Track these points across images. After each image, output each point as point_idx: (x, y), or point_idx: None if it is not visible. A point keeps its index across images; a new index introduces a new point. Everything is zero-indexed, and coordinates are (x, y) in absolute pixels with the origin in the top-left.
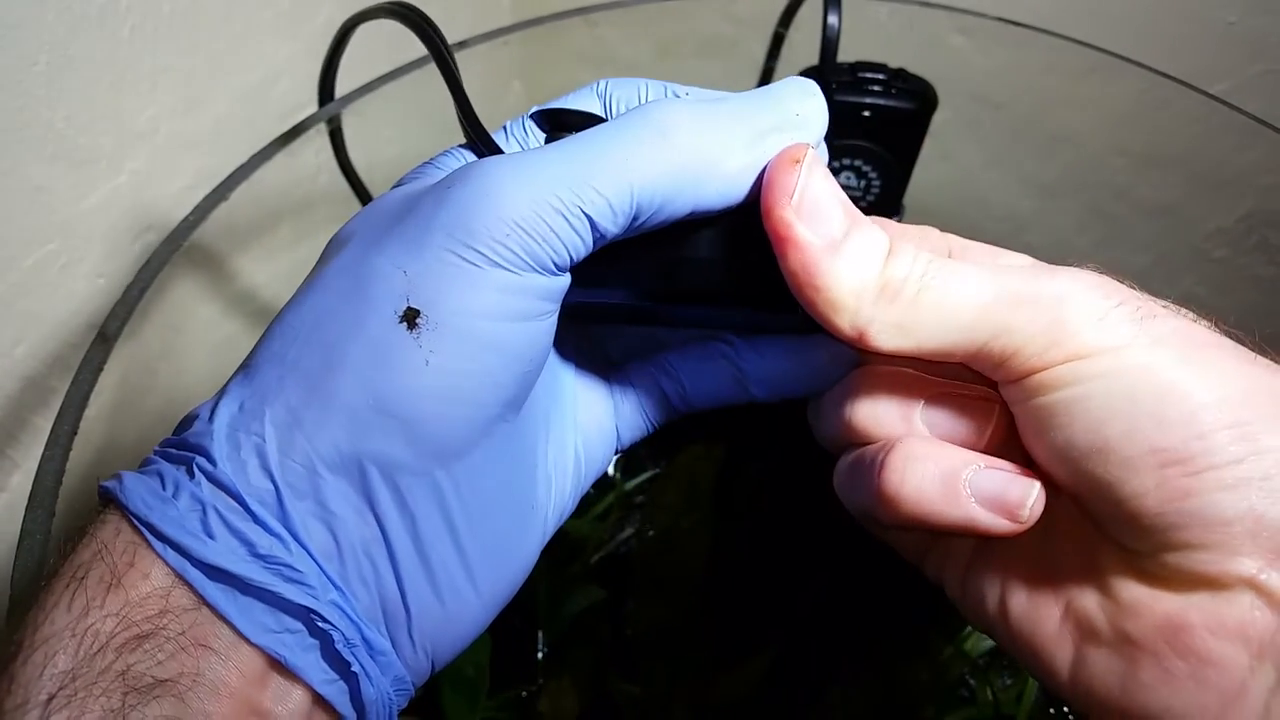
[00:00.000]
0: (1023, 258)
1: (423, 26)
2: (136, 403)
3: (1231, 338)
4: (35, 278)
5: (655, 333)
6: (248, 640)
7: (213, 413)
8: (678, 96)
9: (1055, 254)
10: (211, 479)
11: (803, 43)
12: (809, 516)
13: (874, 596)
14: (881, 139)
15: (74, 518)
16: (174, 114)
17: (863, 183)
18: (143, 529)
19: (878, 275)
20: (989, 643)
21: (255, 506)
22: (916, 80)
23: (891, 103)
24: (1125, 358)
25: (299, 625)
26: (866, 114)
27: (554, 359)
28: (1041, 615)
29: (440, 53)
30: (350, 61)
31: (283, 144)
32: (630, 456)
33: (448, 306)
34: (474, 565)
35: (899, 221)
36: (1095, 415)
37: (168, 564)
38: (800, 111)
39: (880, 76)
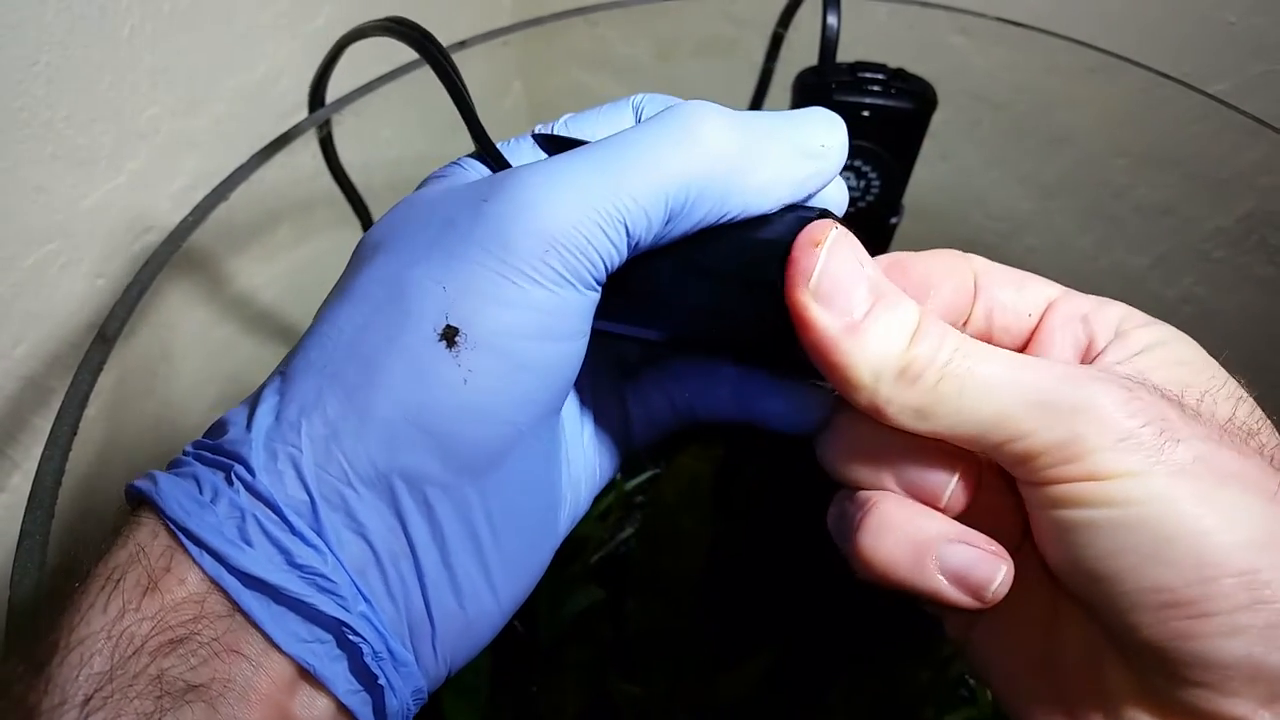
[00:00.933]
0: (1051, 285)
1: (424, 43)
2: (136, 403)
3: (1225, 366)
4: (35, 278)
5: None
6: (279, 648)
7: (249, 421)
8: None
9: (1055, 254)
10: (250, 489)
11: (802, 43)
12: (809, 516)
13: (874, 596)
14: (881, 139)
15: (74, 518)
16: (174, 114)
17: (862, 183)
18: (179, 534)
19: (899, 356)
20: None
21: (292, 517)
22: (916, 80)
23: (891, 103)
24: (1141, 488)
25: (329, 636)
26: (866, 114)
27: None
28: (1037, 708)
29: (444, 68)
30: (349, 62)
31: (282, 144)
32: (630, 456)
33: (487, 326)
34: (496, 576)
35: (897, 222)
36: (1104, 545)
37: (204, 570)
38: (826, 144)
39: (880, 76)
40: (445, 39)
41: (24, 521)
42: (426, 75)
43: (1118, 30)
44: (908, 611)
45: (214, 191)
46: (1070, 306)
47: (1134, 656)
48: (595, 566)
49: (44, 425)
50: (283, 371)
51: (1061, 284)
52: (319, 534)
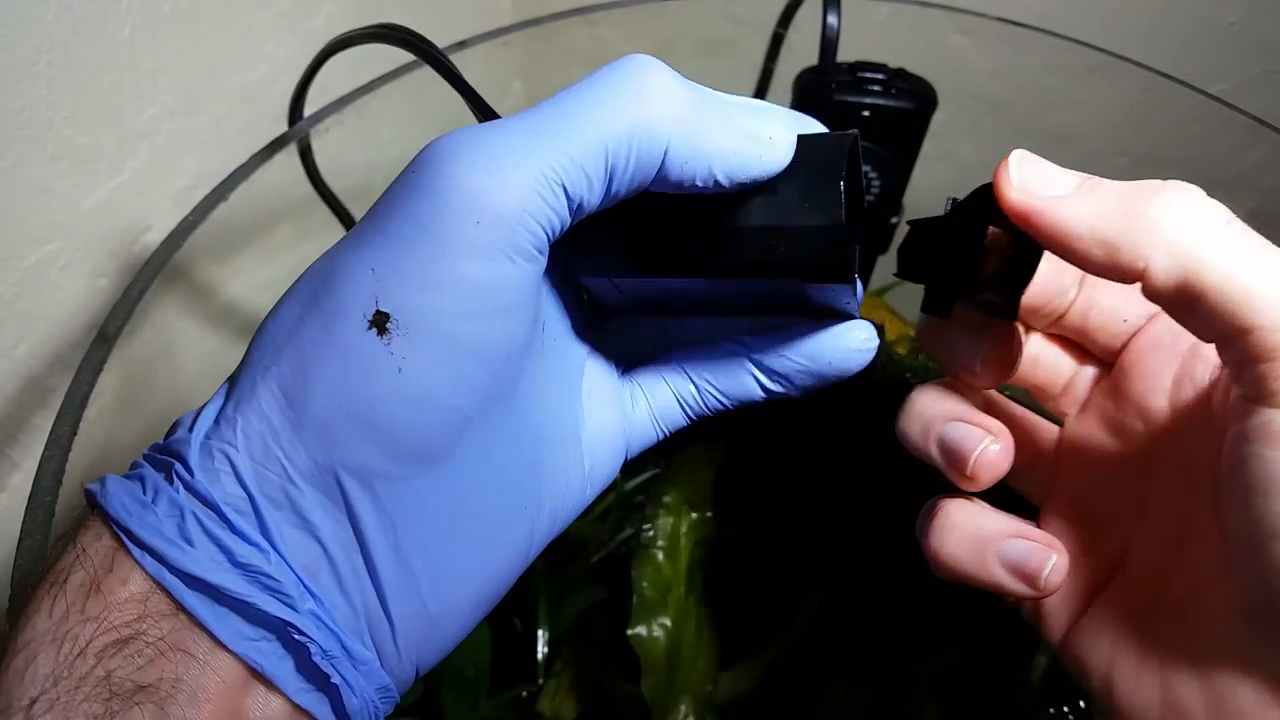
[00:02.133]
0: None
1: (413, 44)
2: (136, 403)
3: None
4: (35, 277)
5: (668, 333)
6: (226, 647)
7: (194, 421)
8: None
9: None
10: (189, 487)
11: (802, 43)
12: (809, 516)
13: (874, 596)
14: (881, 139)
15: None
16: (174, 114)
17: (862, 183)
18: (121, 535)
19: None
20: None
21: (232, 515)
22: (916, 80)
23: (891, 103)
24: None
25: (274, 636)
26: (866, 114)
27: (562, 364)
28: (1140, 700)
29: (440, 63)
30: (351, 62)
31: (282, 144)
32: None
33: (417, 309)
34: (459, 571)
35: (897, 222)
36: None
37: (145, 570)
38: (774, 135)
39: (880, 76)
40: (445, 39)
41: (24, 521)
42: (426, 75)
43: (1118, 30)
44: (907, 611)
45: (214, 191)
46: (1174, 324)
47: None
48: (595, 566)
49: (44, 425)
50: (233, 374)
51: None
52: (262, 532)
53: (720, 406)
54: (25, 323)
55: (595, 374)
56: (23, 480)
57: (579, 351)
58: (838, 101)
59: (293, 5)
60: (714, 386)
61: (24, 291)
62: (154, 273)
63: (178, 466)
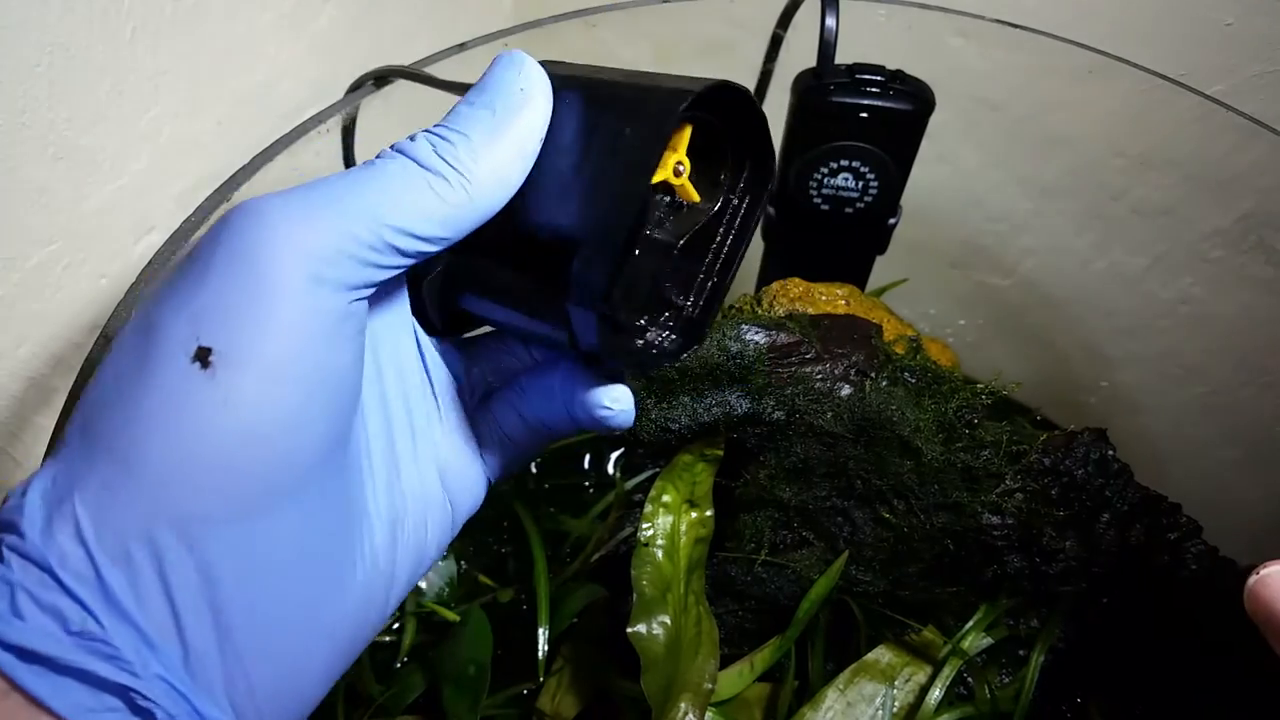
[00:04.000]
0: None
1: (413, 76)
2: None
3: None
4: (38, 278)
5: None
6: None
7: (25, 489)
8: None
9: (1053, 255)
10: (23, 554)
11: (801, 44)
12: (809, 516)
13: (874, 596)
14: (879, 140)
15: None
16: (176, 115)
17: (860, 184)
18: None
19: None
20: (987, 640)
21: (68, 580)
22: (914, 81)
23: (889, 104)
24: None
25: (119, 703)
26: (864, 115)
27: (407, 389)
28: None
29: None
30: (352, 62)
31: (284, 145)
32: (630, 456)
33: (240, 342)
34: (315, 617)
35: (895, 223)
36: None
37: None
38: (523, 86)
39: (878, 78)
40: (446, 41)
41: None
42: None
43: (1116, 32)
44: (906, 611)
45: (216, 192)
46: None
47: None
48: (595, 565)
49: (47, 425)
50: (60, 440)
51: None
52: (102, 594)
53: (558, 432)
54: (28, 323)
55: (449, 404)
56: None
57: (432, 381)
58: (836, 103)
59: (294, 7)
60: (546, 415)
61: (26, 292)
62: (156, 273)
63: (8, 538)
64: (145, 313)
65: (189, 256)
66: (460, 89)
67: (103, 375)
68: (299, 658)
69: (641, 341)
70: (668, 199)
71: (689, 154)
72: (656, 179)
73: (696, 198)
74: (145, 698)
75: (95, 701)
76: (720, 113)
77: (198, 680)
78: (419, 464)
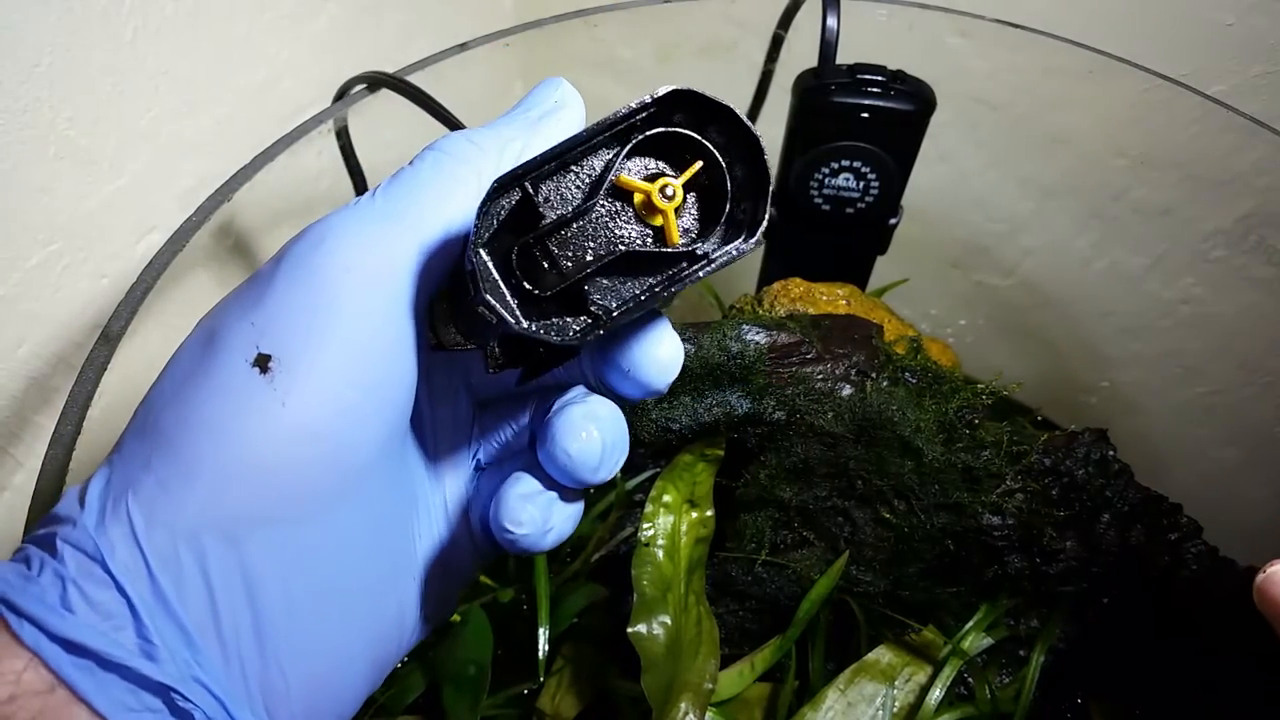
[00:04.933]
0: None
1: (400, 86)
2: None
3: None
4: (38, 278)
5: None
6: (104, 718)
7: (84, 488)
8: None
9: (1053, 255)
10: (76, 546)
11: (802, 45)
12: (810, 516)
13: (874, 596)
14: (880, 140)
15: None
16: (176, 115)
17: (861, 184)
18: (2, 607)
19: None
20: (987, 640)
21: (119, 574)
22: (915, 82)
23: (890, 104)
24: None
25: (159, 704)
26: (865, 115)
27: (457, 425)
28: None
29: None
30: (352, 62)
31: (284, 145)
32: (630, 456)
33: (299, 350)
34: (351, 624)
35: (896, 222)
36: None
37: (23, 642)
38: (558, 99)
39: (879, 78)
40: (446, 41)
41: (28, 520)
42: (428, 78)
43: (1117, 32)
44: (906, 610)
45: (217, 192)
46: None
47: None
48: (595, 565)
49: (48, 424)
50: (118, 442)
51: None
52: (152, 593)
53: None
54: (28, 323)
55: (453, 403)
56: (26, 479)
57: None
58: (837, 103)
59: (294, 7)
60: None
61: (27, 292)
62: (157, 273)
63: (63, 531)
64: (207, 324)
65: (253, 275)
66: (439, 110)
67: (162, 381)
68: (339, 662)
69: (531, 324)
70: (631, 210)
71: (699, 194)
72: (633, 185)
73: (675, 236)
74: (186, 699)
75: (136, 701)
76: (740, 168)
77: (237, 680)
78: (456, 478)
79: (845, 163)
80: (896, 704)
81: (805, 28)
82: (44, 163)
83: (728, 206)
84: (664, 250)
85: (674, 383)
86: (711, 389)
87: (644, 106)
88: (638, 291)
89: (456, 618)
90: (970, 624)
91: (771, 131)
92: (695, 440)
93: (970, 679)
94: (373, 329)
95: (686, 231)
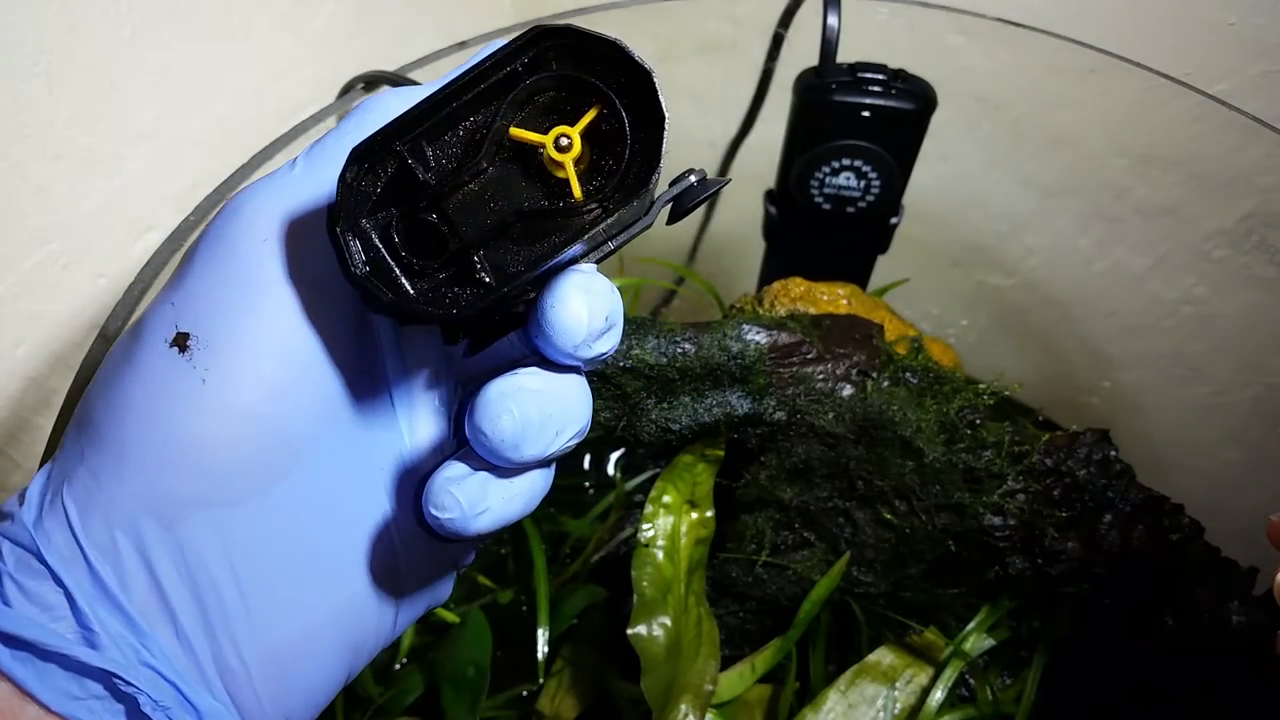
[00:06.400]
0: None
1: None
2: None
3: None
4: (36, 278)
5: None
6: (51, 710)
7: (27, 487)
8: None
9: (1055, 255)
10: (15, 542)
11: (803, 43)
12: (810, 517)
13: (875, 597)
14: (881, 139)
15: None
16: (175, 114)
17: (862, 183)
18: None
19: None
20: (989, 642)
21: (56, 566)
22: (916, 81)
23: (891, 103)
24: None
25: (102, 690)
26: (866, 114)
27: (420, 395)
28: None
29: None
30: (351, 61)
31: (283, 145)
32: (630, 456)
33: (216, 324)
34: (309, 605)
35: (897, 222)
36: None
37: None
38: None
39: (880, 77)
40: (446, 39)
41: None
42: (428, 76)
43: (1118, 31)
44: (906, 611)
45: (215, 191)
46: None
47: None
48: (595, 566)
49: (46, 425)
50: (61, 439)
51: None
52: (90, 583)
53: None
54: (26, 323)
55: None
56: (23, 480)
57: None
58: (838, 102)
59: (293, 6)
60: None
61: (25, 292)
62: (155, 273)
63: (4, 526)
64: (140, 313)
65: (182, 257)
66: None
67: (97, 373)
68: (301, 640)
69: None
70: (531, 167)
71: (597, 146)
72: (525, 137)
73: (578, 190)
74: (128, 683)
75: (80, 689)
76: (636, 117)
77: (189, 664)
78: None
79: (846, 162)
80: (898, 705)
81: (806, 26)
82: (42, 161)
83: (627, 152)
84: (564, 205)
85: (674, 383)
86: (712, 389)
87: (513, 47)
88: (542, 253)
89: (456, 619)
90: (972, 625)
91: (772, 131)
92: (695, 440)
93: (972, 680)
94: (295, 298)
95: (592, 185)
